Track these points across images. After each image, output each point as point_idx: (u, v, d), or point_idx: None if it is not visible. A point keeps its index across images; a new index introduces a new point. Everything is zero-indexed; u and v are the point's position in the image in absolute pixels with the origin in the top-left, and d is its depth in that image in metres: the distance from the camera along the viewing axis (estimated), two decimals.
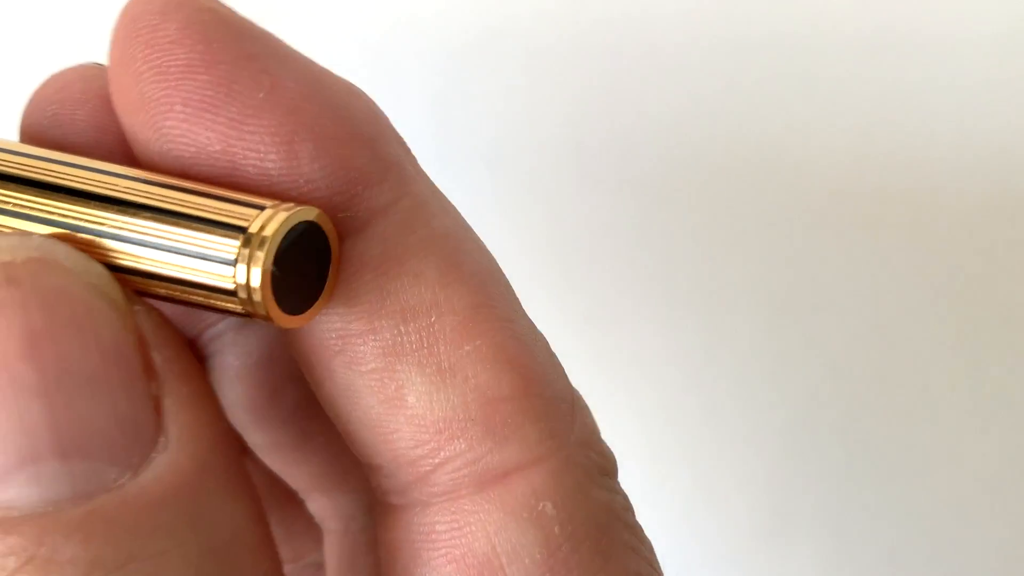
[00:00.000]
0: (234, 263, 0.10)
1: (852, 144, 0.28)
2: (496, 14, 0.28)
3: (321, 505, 0.16)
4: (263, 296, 0.10)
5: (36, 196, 0.11)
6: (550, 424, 0.11)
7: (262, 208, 0.10)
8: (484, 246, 0.12)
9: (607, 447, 0.12)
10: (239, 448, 0.12)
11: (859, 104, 0.27)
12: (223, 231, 0.10)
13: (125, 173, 0.11)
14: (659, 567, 0.12)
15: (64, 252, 0.10)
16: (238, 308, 0.10)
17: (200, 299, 0.10)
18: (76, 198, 0.11)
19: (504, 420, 0.11)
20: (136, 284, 0.11)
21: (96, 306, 0.10)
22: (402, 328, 0.11)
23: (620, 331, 0.29)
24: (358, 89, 0.12)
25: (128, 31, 0.11)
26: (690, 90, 0.28)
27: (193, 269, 0.10)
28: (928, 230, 0.28)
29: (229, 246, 0.10)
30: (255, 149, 0.11)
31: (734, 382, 0.29)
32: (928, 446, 0.29)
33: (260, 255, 0.10)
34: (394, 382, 0.11)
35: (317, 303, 0.11)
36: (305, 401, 0.14)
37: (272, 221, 0.10)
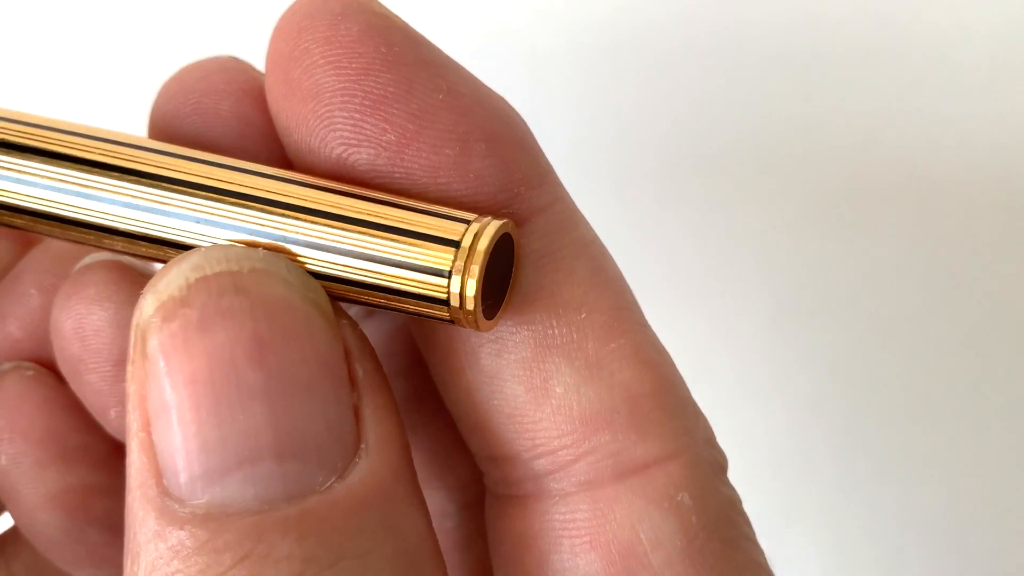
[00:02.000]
0: (448, 275, 0.10)
1: (854, 144, 0.28)
2: (496, 14, 0.28)
3: None
4: (475, 305, 0.10)
5: (246, 208, 0.11)
6: (684, 422, 0.12)
7: (464, 221, 0.11)
8: (610, 254, 0.13)
9: (720, 447, 0.13)
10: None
11: (861, 103, 0.27)
12: (436, 244, 0.11)
13: (325, 185, 0.11)
14: (765, 559, 0.12)
15: (285, 265, 0.11)
16: (443, 315, 0.11)
17: (404, 306, 0.11)
18: (287, 210, 0.11)
19: (646, 415, 0.11)
20: (341, 292, 0.11)
21: (314, 318, 0.10)
22: (554, 321, 0.11)
23: None
24: (507, 102, 0.12)
25: (302, 26, 0.11)
26: (690, 89, 0.28)
27: (406, 280, 0.11)
28: (928, 230, 0.28)
29: (443, 259, 0.10)
30: (431, 143, 0.11)
31: (734, 382, 0.29)
32: (929, 446, 0.29)
33: (475, 268, 0.10)
34: (542, 372, 0.11)
35: (504, 305, 0.11)
36: (407, 397, 0.15)
37: (483, 236, 0.11)
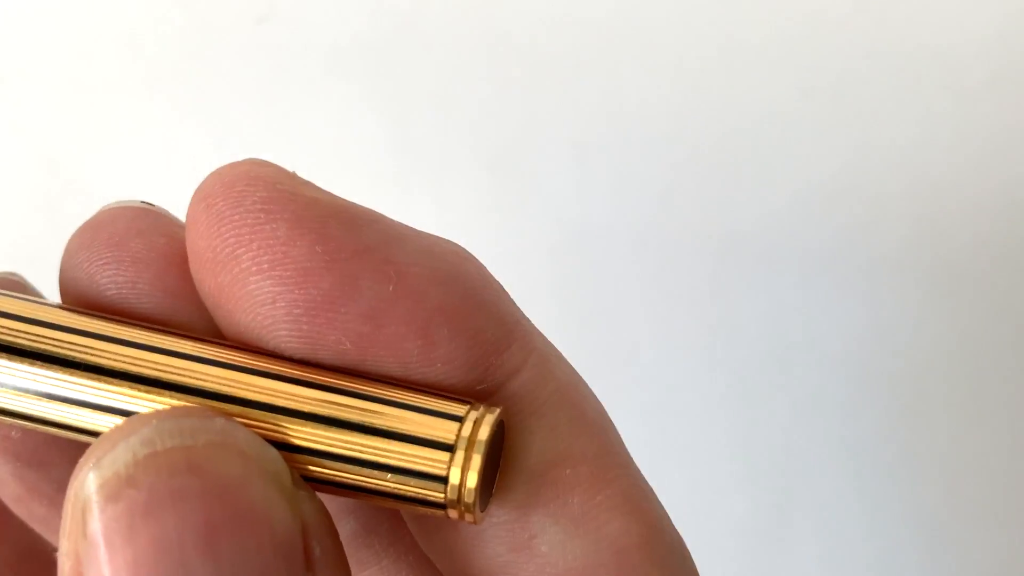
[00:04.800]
0: (445, 481, 0.10)
1: (849, 145, 0.28)
2: (498, 14, 0.28)
3: None
4: (474, 506, 0.10)
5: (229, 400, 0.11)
6: (673, 571, 0.11)
7: (455, 418, 0.10)
8: (591, 390, 0.12)
9: None
10: None
11: (858, 106, 0.27)
12: (429, 449, 0.10)
13: (293, 376, 0.10)
14: None
15: (244, 436, 0.10)
16: (436, 512, 0.10)
17: (392, 505, 0.10)
18: (261, 410, 0.10)
19: (634, 568, 0.11)
20: (321, 488, 0.10)
21: (272, 497, 0.10)
22: (539, 480, 0.11)
23: (619, 330, 0.29)
24: (463, 250, 0.12)
25: (223, 222, 0.11)
26: (691, 88, 0.28)
27: (397, 484, 0.10)
28: (928, 230, 0.28)
29: (439, 464, 0.10)
30: (391, 342, 0.11)
31: (734, 381, 0.29)
32: (928, 445, 0.29)
33: (473, 475, 0.10)
34: (527, 531, 0.11)
35: (493, 491, 0.11)
36: (356, 534, 0.14)
37: (478, 437, 0.10)
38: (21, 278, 0.13)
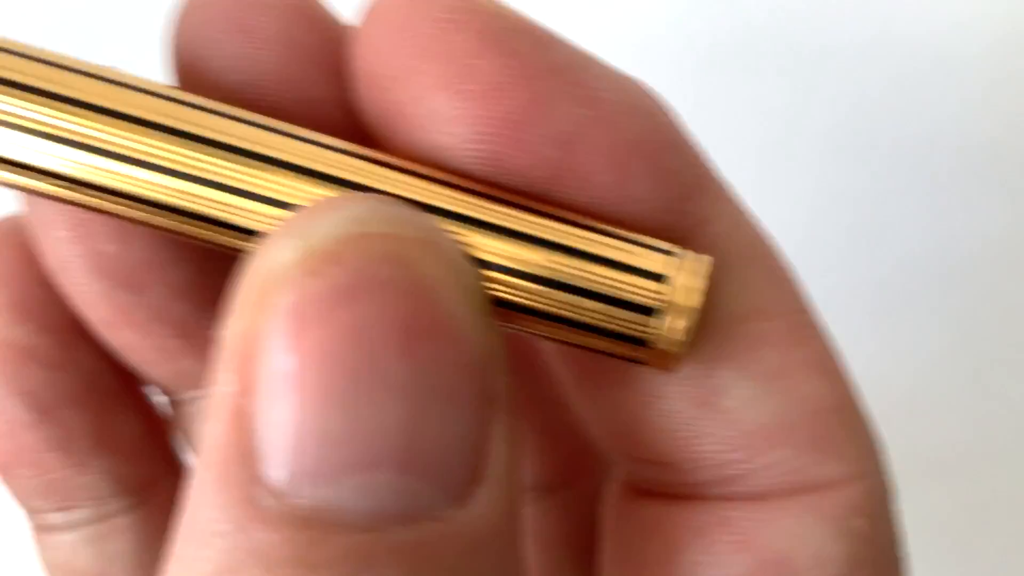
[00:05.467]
0: (652, 313, 0.09)
1: (852, 135, 0.28)
2: None
3: None
4: (680, 350, 0.09)
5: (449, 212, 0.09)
6: (868, 442, 0.11)
7: (668, 253, 0.09)
8: (782, 252, 0.11)
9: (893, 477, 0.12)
10: None
11: (859, 96, 0.27)
12: (640, 277, 0.09)
13: (489, 192, 0.09)
14: None
15: (449, 242, 0.09)
16: (630, 355, 0.09)
17: (585, 341, 0.09)
18: (456, 220, 0.09)
19: (829, 432, 0.10)
20: (510, 316, 0.09)
21: (469, 314, 0.09)
22: (730, 333, 0.10)
23: None
24: (646, 85, 0.11)
25: (402, 34, 0.09)
26: (690, 88, 0.28)
27: (602, 315, 0.09)
28: (929, 224, 0.28)
29: (651, 295, 0.09)
30: (584, 171, 0.10)
31: None
32: (929, 445, 0.29)
33: (684, 315, 0.09)
34: (712, 386, 0.10)
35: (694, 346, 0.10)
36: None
37: (692, 274, 0.09)
38: None
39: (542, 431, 0.13)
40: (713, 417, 0.10)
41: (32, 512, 0.13)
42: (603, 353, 0.10)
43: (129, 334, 0.12)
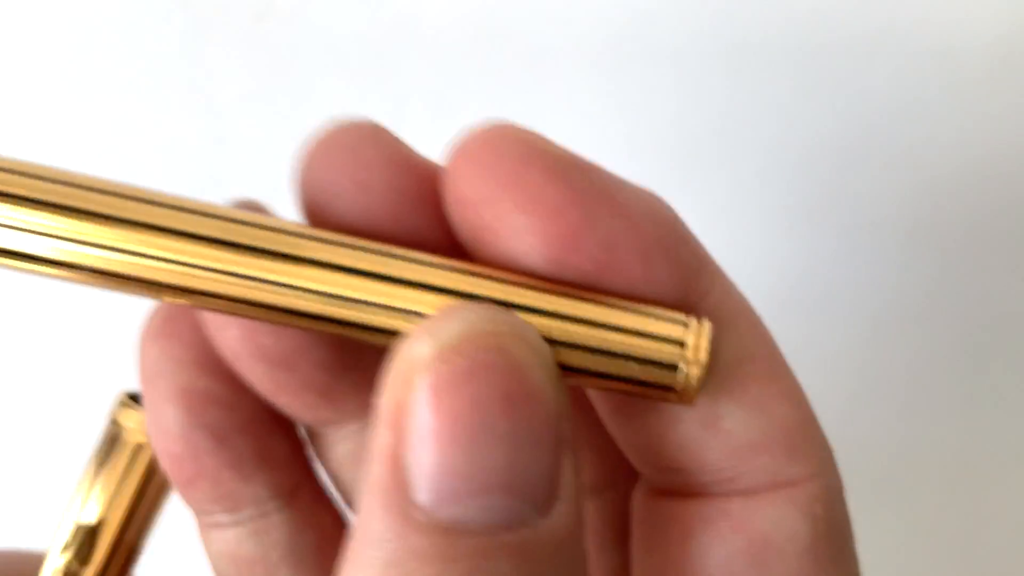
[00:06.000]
0: (676, 367, 0.13)
1: (853, 141, 0.28)
2: (499, 14, 0.28)
3: None
4: (696, 392, 0.13)
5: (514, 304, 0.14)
6: (824, 450, 0.15)
7: (682, 323, 0.13)
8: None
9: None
10: None
11: (858, 101, 0.27)
12: (663, 343, 0.13)
13: (542, 287, 0.13)
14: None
15: (531, 332, 0.13)
16: (662, 397, 0.13)
17: (629, 390, 0.13)
18: (533, 313, 0.13)
19: (796, 444, 0.14)
20: (571, 375, 0.13)
21: (549, 381, 0.13)
22: (726, 374, 0.14)
23: None
24: (657, 195, 0.14)
25: (488, 171, 0.13)
26: (691, 88, 0.28)
27: (636, 368, 0.13)
28: (928, 228, 0.28)
29: (672, 353, 0.13)
30: (622, 267, 0.13)
31: None
32: (928, 445, 0.29)
33: (698, 368, 0.13)
34: (716, 413, 0.14)
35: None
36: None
37: (701, 336, 0.13)
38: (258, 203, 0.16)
39: (588, 447, 0.18)
40: (716, 435, 0.14)
41: (202, 514, 0.18)
42: (641, 396, 0.14)
43: (284, 397, 0.17)
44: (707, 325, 0.13)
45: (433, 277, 0.13)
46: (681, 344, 0.13)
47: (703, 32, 0.28)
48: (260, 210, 0.15)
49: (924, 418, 0.29)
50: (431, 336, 0.12)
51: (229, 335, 0.16)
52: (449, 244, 0.14)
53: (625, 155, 0.28)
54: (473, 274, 0.13)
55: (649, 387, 0.13)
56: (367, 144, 0.15)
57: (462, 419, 0.12)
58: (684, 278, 0.14)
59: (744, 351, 0.14)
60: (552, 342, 0.13)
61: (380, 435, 0.12)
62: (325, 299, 0.13)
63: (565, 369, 0.13)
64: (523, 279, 0.14)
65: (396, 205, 0.14)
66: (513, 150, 0.14)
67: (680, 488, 0.15)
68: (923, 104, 0.27)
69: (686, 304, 0.14)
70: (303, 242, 0.13)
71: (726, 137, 0.28)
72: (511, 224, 0.13)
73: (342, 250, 0.13)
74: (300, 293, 0.13)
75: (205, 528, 0.18)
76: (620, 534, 0.18)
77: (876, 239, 0.28)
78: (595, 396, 0.15)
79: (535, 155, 0.14)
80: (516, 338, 0.13)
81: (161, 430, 0.17)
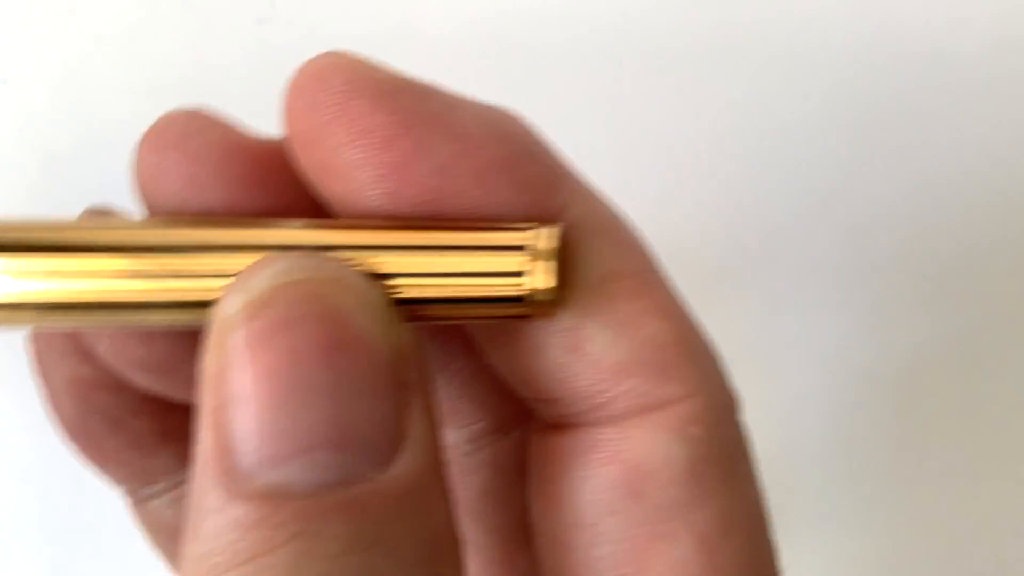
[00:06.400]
0: (521, 275, 0.12)
1: (852, 141, 0.28)
2: (499, 14, 0.28)
3: None
4: (550, 294, 0.12)
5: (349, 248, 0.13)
6: (702, 367, 0.14)
7: (524, 230, 0.13)
8: (630, 223, 0.14)
9: (736, 391, 0.15)
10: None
11: (850, 105, 0.27)
12: (505, 253, 0.12)
13: (380, 224, 0.13)
14: (766, 498, 0.14)
15: (352, 275, 0.12)
16: (522, 311, 0.13)
17: (480, 313, 0.13)
18: (361, 250, 0.12)
19: (668, 361, 0.13)
20: (417, 310, 0.13)
21: (377, 326, 0.12)
22: (590, 293, 0.13)
23: None
24: (514, 114, 0.14)
25: (314, 107, 0.13)
26: (691, 88, 0.28)
27: (483, 287, 0.12)
28: (926, 229, 0.28)
29: (514, 261, 0.12)
30: (458, 192, 0.13)
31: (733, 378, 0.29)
32: (927, 445, 0.29)
33: (546, 261, 0.12)
34: (579, 335, 0.13)
35: (562, 293, 0.13)
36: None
37: (542, 238, 0.12)
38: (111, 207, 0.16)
39: (484, 390, 0.17)
40: (582, 359, 0.13)
41: (129, 491, 0.18)
42: (499, 318, 0.13)
43: (177, 394, 0.16)
44: (554, 229, 0.13)
45: (246, 237, 0.13)
46: (522, 249, 0.12)
47: (703, 32, 0.28)
48: (111, 215, 0.15)
49: (924, 418, 0.29)
50: (239, 292, 0.12)
51: (102, 349, 0.16)
52: (317, 211, 0.14)
53: (625, 155, 0.28)
54: (296, 228, 0.13)
55: (501, 303, 0.12)
56: (193, 136, 0.14)
57: (277, 375, 0.11)
58: (532, 197, 0.13)
59: (609, 268, 0.13)
60: (386, 278, 0.12)
61: (204, 402, 0.12)
62: (129, 283, 0.12)
63: (409, 304, 0.12)
64: (353, 221, 0.13)
65: (236, 191, 0.14)
66: (338, 80, 0.13)
67: (559, 421, 0.14)
68: (923, 104, 0.27)
69: (538, 221, 0.13)
70: (94, 233, 0.13)
71: (725, 137, 0.28)
72: (343, 160, 0.13)
73: (135, 232, 0.13)
74: (98, 282, 0.12)
75: (135, 504, 0.18)
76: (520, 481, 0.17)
77: (876, 239, 0.28)
78: (475, 332, 0.15)
79: (361, 83, 0.13)
80: (333, 283, 0.12)
81: (60, 419, 0.17)
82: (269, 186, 0.14)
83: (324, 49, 0.31)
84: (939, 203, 0.28)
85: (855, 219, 0.28)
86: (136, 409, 0.17)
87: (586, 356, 0.13)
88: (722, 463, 0.14)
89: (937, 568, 0.30)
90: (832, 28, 0.27)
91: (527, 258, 0.12)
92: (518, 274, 0.12)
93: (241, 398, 0.11)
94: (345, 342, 0.11)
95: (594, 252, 0.13)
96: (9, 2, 0.29)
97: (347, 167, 0.13)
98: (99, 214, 0.15)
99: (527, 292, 0.12)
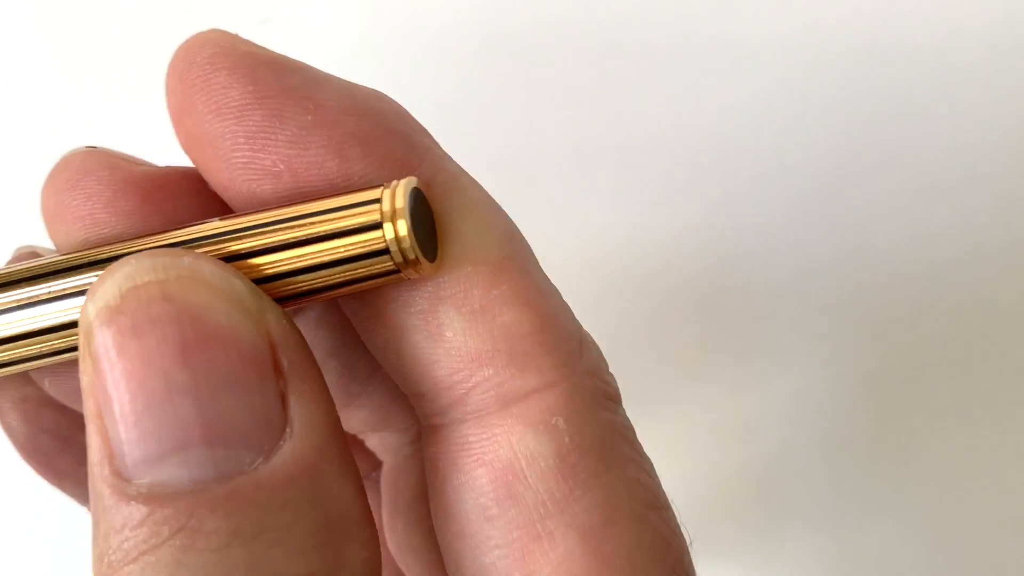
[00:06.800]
0: (381, 225, 0.12)
1: (852, 141, 0.28)
2: (499, 14, 0.28)
3: (375, 442, 0.19)
4: (411, 242, 0.12)
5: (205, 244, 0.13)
6: (562, 355, 0.13)
7: (377, 187, 0.12)
8: (504, 211, 0.14)
9: (612, 377, 0.14)
10: (346, 436, 0.14)
11: (858, 103, 0.27)
12: (359, 208, 0.12)
13: (248, 221, 0.13)
14: (656, 477, 0.14)
15: (209, 270, 0.12)
16: (389, 265, 0.12)
17: (350, 276, 0.12)
18: (224, 237, 0.12)
19: (524, 351, 0.13)
20: (289, 289, 0.13)
21: (236, 317, 0.12)
22: (445, 277, 0.13)
23: (617, 329, 0.29)
24: (383, 94, 0.14)
25: (183, 80, 0.13)
26: (689, 89, 0.28)
27: (346, 246, 0.12)
28: (926, 228, 0.28)
29: (372, 214, 0.12)
30: (314, 161, 0.13)
31: (732, 378, 0.29)
32: (927, 444, 0.29)
33: (402, 208, 0.12)
34: (436, 320, 0.13)
35: (438, 254, 0.13)
36: (342, 370, 0.17)
37: (398, 189, 0.12)
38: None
39: (393, 403, 0.17)
40: (440, 346, 0.13)
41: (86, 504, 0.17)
42: (371, 279, 0.13)
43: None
44: (410, 179, 0.13)
45: (106, 251, 0.13)
46: (376, 202, 0.12)
47: (703, 32, 0.28)
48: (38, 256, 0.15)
49: (924, 418, 0.29)
50: (92, 300, 0.12)
51: (47, 384, 0.16)
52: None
53: (625, 156, 0.28)
54: (159, 232, 0.13)
55: (368, 260, 0.12)
56: (87, 175, 0.14)
57: (136, 379, 0.11)
58: (392, 171, 0.13)
59: (467, 253, 0.13)
60: (247, 258, 0.12)
61: (86, 408, 0.12)
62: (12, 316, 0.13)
63: (276, 282, 0.12)
64: (223, 218, 0.13)
65: (132, 222, 0.14)
66: (204, 55, 0.13)
67: (432, 421, 0.14)
68: (922, 105, 0.27)
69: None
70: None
71: (725, 138, 0.28)
72: (207, 131, 0.13)
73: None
74: None
75: None
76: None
77: (876, 239, 0.28)
78: (352, 318, 0.14)
79: (223, 57, 0.13)
80: (185, 280, 0.12)
81: (11, 438, 0.17)
82: (166, 213, 0.14)
83: (323, 49, 0.31)
84: (939, 203, 0.28)
85: (855, 219, 0.28)
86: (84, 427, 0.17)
87: (444, 343, 0.13)
88: (595, 451, 0.13)
89: (937, 568, 0.30)
90: (832, 28, 0.27)
91: (386, 209, 0.12)
92: (378, 225, 0.12)
93: (111, 403, 0.11)
94: (201, 339, 0.11)
95: (455, 234, 0.13)
96: (9, 2, 0.29)
97: (211, 137, 0.13)
98: (27, 256, 0.15)
99: (390, 242, 0.12)
